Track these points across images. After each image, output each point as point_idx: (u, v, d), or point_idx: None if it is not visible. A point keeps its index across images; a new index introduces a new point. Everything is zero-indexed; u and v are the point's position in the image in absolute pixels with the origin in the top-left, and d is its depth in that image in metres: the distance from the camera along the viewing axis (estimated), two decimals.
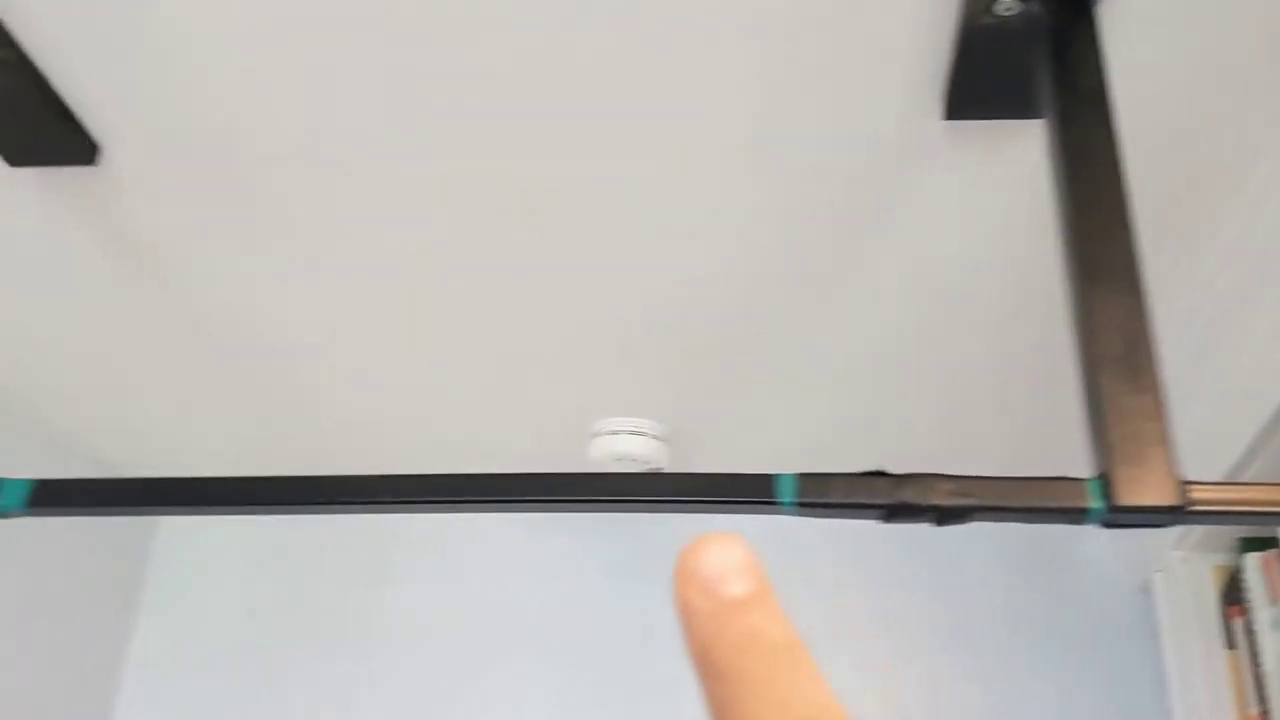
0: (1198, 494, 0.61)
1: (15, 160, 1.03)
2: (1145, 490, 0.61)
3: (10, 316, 1.29)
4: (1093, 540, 1.70)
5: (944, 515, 0.63)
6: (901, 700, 1.64)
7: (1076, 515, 0.62)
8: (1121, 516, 0.62)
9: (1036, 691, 1.62)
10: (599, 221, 1.10)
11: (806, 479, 0.63)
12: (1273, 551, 1.28)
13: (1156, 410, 0.64)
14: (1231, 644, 1.36)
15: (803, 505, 0.63)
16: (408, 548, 1.79)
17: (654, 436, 1.49)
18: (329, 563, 1.80)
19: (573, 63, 0.91)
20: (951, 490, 0.62)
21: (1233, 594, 1.37)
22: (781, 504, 0.63)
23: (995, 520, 0.63)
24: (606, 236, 1.13)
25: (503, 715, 1.69)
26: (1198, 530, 1.41)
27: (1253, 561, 1.30)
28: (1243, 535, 1.35)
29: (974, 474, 0.63)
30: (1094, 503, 0.62)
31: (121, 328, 1.30)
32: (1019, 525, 0.65)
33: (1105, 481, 0.62)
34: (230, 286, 1.22)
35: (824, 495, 0.63)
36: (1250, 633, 1.31)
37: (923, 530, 1.60)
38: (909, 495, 0.62)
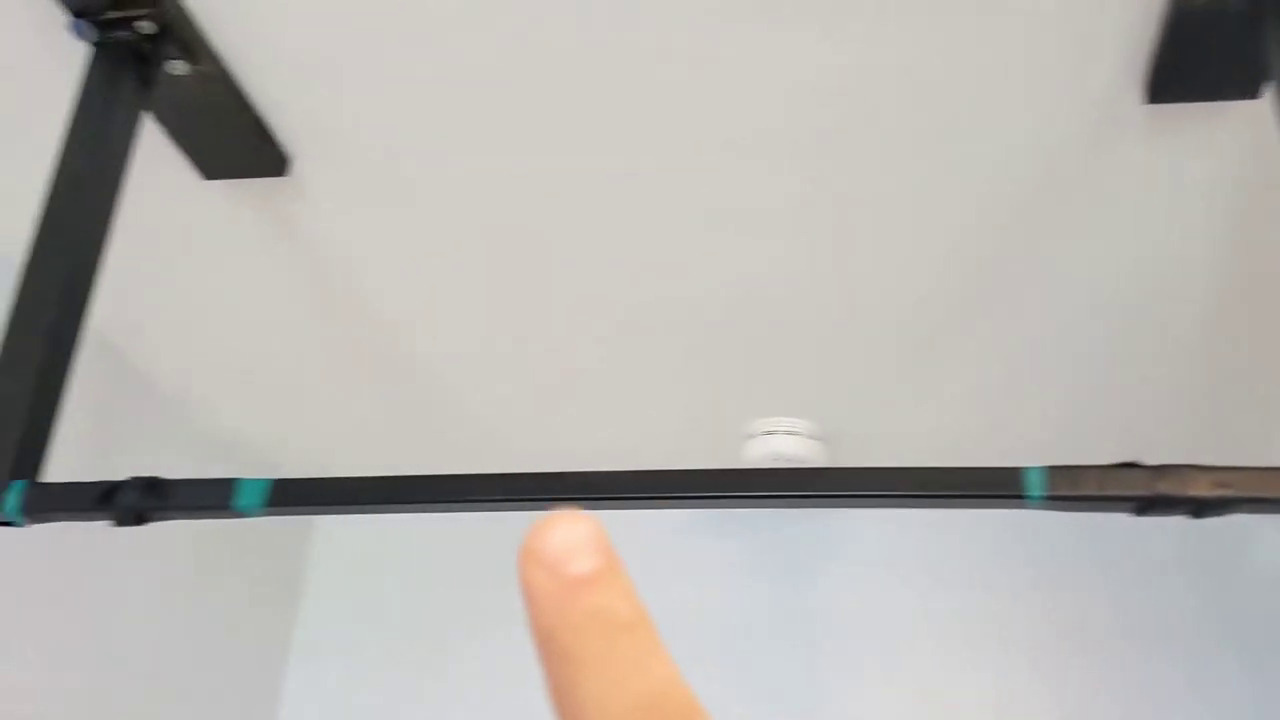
0: None
1: (210, 173, 1.06)
2: None
3: (185, 319, 1.33)
4: (1262, 537, 1.64)
5: (1201, 508, 0.61)
6: (1085, 702, 1.60)
7: None
8: None
9: (1229, 694, 1.56)
10: (750, 220, 1.10)
11: (1057, 471, 0.62)
12: None
13: None
14: None
15: (1052, 499, 0.62)
16: None
17: (810, 436, 1.48)
18: (486, 554, 1.82)
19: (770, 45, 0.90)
20: (1211, 482, 0.60)
21: None
22: (1029, 498, 0.62)
23: (1257, 512, 0.61)
24: (756, 232, 1.12)
25: None
26: None
27: None
28: None
29: (1232, 465, 0.61)
30: None
31: (294, 332, 1.33)
32: (1202, 526, 0.63)
33: None
34: (404, 292, 1.24)
35: (1075, 488, 0.62)
36: None
37: (1105, 529, 1.53)
38: (1166, 487, 0.61)
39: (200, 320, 1.32)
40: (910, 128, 0.97)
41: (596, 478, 0.74)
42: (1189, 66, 0.87)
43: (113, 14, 0.88)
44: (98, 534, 1.30)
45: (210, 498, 0.72)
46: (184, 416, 1.53)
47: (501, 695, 1.65)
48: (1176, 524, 1.55)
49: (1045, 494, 0.62)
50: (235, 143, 1.02)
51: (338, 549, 1.85)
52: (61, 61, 0.92)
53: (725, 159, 1.02)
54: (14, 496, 0.74)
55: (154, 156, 1.01)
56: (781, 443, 1.47)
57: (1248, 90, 0.88)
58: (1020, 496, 0.62)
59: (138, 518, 0.73)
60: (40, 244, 0.82)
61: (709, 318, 1.28)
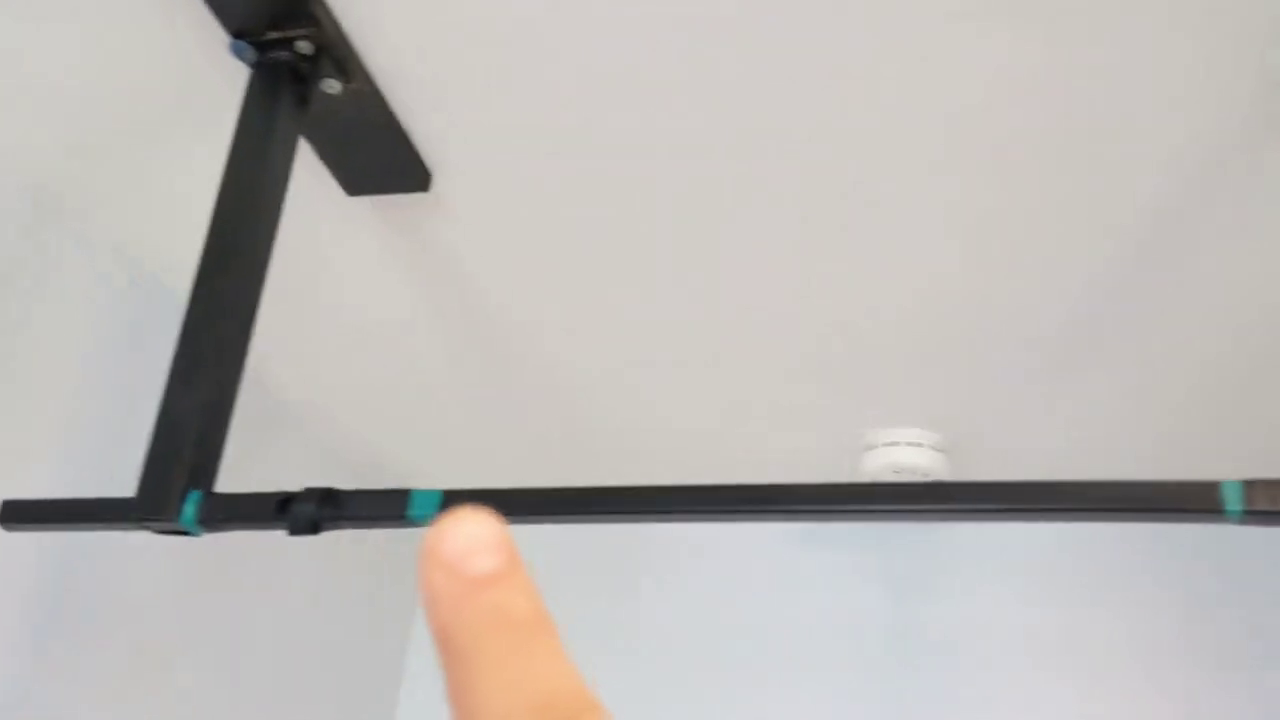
0: None
1: (354, 189, 1.08)
2: None
3: (322, 334, 1.36)
4: None
5: None
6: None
7: None
8: None
9: None
10: (884, 228, 1.09)
11: (1255, 486, 0.60)
12: None
13: None
14: None
15: (1250, 514, 0.60)
16: (663, 559, 1.81)
17: (932, 448, 1.46)
18: (584, 572, 1.83)
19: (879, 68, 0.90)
20: None
21: None
22: (1227, 513, 0.60)
23: None
24: (891, 242, 1.11)
25: None
26: None
27: None
28: None
29: None
30: None
31: (428, 346, 1.35)
32: None
33: None
34: (536, 302, 1.25)
35: (1275, 503, 0.60)
36: None
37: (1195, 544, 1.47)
38: None
39: (336, 334, 1.35)
40: (1074, 129, 0.95)
41: (719, 492, 0.74)
42: None
43: (272, 35, 0.90)
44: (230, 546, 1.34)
45: (385, 508, 0.74)
46: (315, 430, 1.56)
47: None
48: None
49: (1243, 509, 0.60)
50: (380, 159, 1.04)
51: None
52: (224, 80, 0.95)
53: (883, 164, 1.01)
54: (191, 507, 0.76)
55: (299, 172, 1.04)
56: (904, 454, 1.46)
57: None
58: (1219, 511, 0.60)
59: (313, 526, 0.75)
60: (208, 264, 0.84)
61: (847, 328, 1.27)
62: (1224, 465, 1.38)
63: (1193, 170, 0.98)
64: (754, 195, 1.07)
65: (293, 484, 0.77)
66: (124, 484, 0.80)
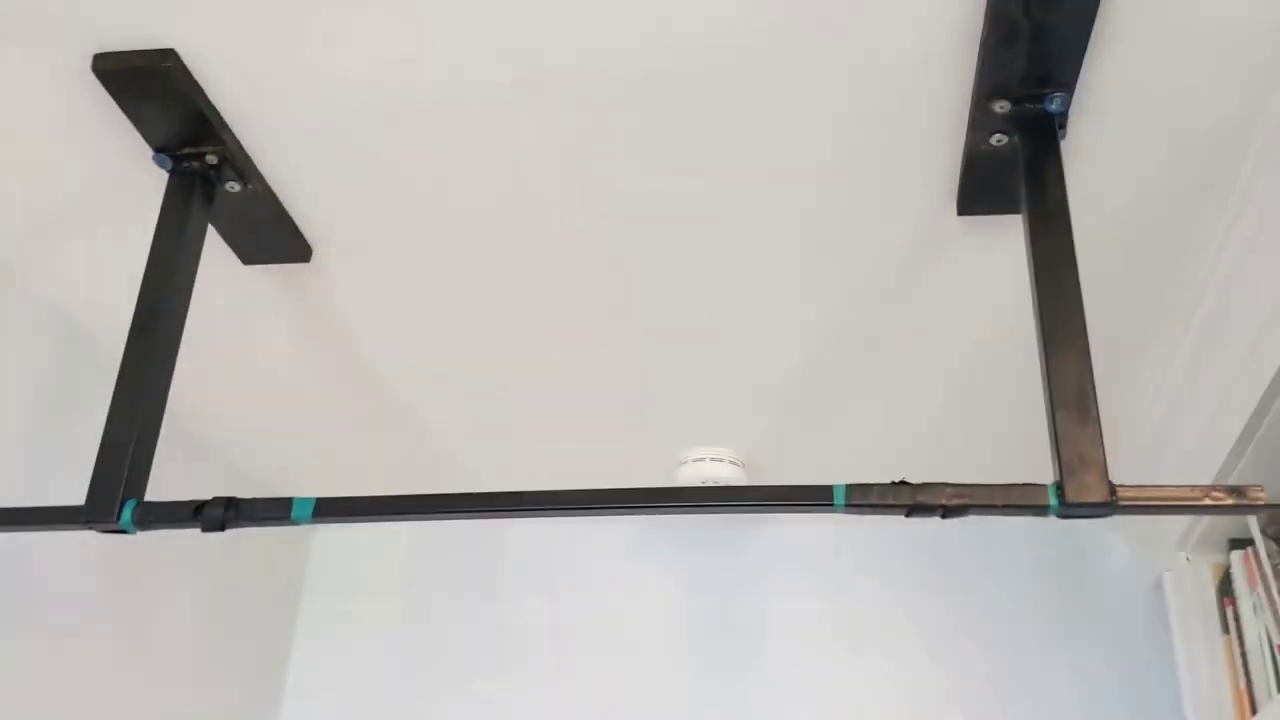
0: (1124, 494, 0.90)
1: (248, 260, 1.36)
2: (1086, 492, 0.89)
3: (214, 375, 1.63)
4: (1113, 548, 1.97)
5: (948, 512, 0.92)
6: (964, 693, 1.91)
7: (1041, 510, 0.91)
8: (1072, 510, 0.90)
9: (1063, 676, 1.89)
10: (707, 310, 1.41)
11: (853, 488, 0.92)
12: (1250, 548, 1.53)
13: (1097, 438, 0.92)
14: (1225, 629, 1.62)
15: (850, 506, 0.92)
16: (519, 564, 2.12)
17: (732, 462, 1.79)
18: (457, 574, 2.13)
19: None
20: (953, 494, 0.91)
21: (1226, 586, 1.62)
22: (835, 506, 0.92)
23: (984, 514, 0.92)
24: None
25: (607, 699, 1.99)
26: (1197, 532, 1.65)
27: (1237, 559, 1.55)
28: (1232, 536, 1.60)
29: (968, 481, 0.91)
30: (1052, 501, 0.90)
31: (302, 385, 1.63)
32: (1046, 535, 0.92)
33: (1060, 486, 0.90)
34: (395, 349, 1.55)
35: (865, 498, 0.92)
36: (1239, 619, 1.56)
37: (962, 537, 1.91)
38: (924, 498, 0.91)
39: (228, 376, 1.62)
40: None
41: (558, 494, 1.03)
42: (983, 189, 1.18)
43: (186, 149, 1.18)
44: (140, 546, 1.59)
45: (273, 511, 1.02)
46: (218, 452, 1.83)
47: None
48: (1040, 534, 1.89)
49: (846, 502, 0.92)
50: (270, 237, 1.31)
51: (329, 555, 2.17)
52: (147, 181, 1.22)
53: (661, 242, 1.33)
54: (128, 512, 1.03)
55: (206, 247, 1.31)
56: (711, 468, 1.78)
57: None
58: (830, 505, 0.92)
59: (220, 525, 1.02)
60: (139, 321, 1.11)
61: (668, 370, 1.59)
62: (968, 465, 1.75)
63: (890, 256, 1.32)
64: (568, 254, 1.37)
65: (202, 495, 1.05)
66: (52, 493, 1.07)
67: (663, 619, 2.04)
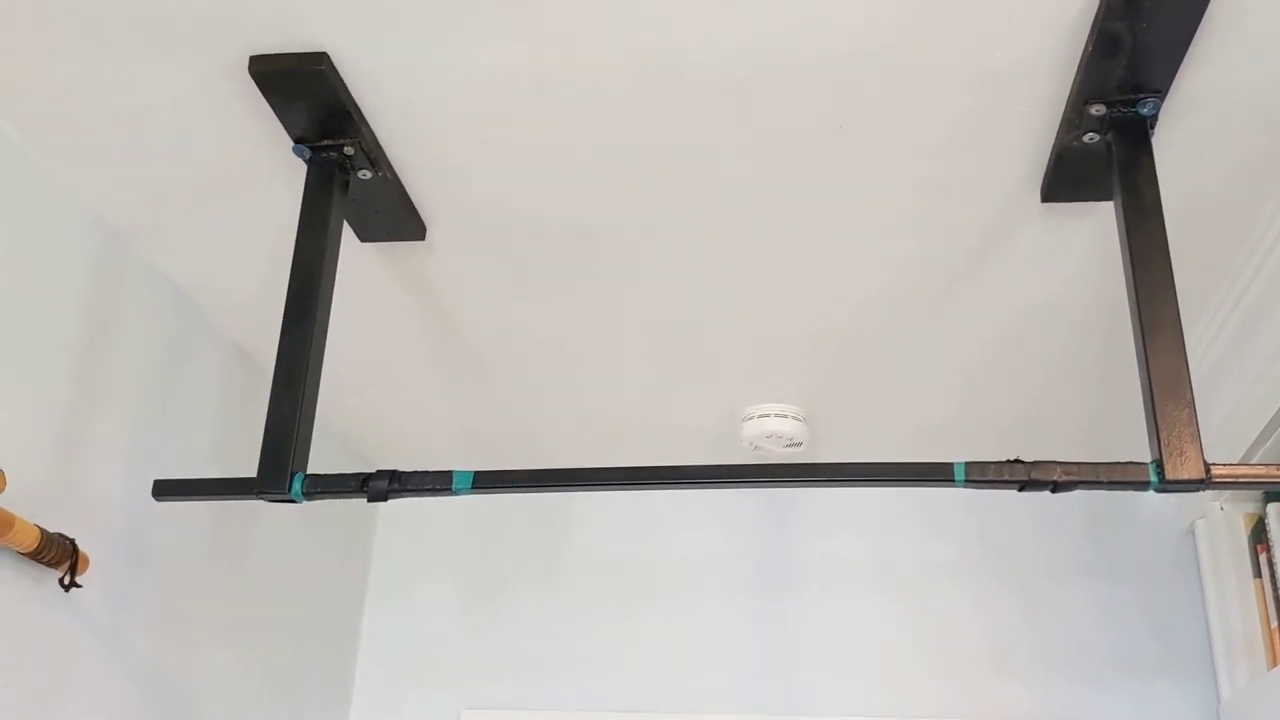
0: (1218, 471, 1.00)
1: (366, 237, 1.44)
2: (1184, 469, 1.00)
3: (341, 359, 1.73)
4: (1148, 496, 2.09)
5: (1057, 487, 1.02)
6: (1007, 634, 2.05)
7: (1142, 486, 1.01)
8: (1170, 486, 1.01)
9: (1094, 618, 2.03)
10: (758, 271, 1.50)
11: (971, 465, 1.03)
12: None
13: (1192, 420, 1.02)
14: (1258, 573, 1.74)
15: (969, 482, 1.03)
16: (587, 508, 2.24)
17: (795, 418, 1.89)
18: (530, 519, 2.25)
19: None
20: (1062, 471, 1.01)
21: (1259, 534, 1.74)
22: (955, 481, 1.03)
23: (1090, 490, 1.02)
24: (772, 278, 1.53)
25: (670, 636, 2.12)
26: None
27: (1274, 509, 1.67)
28: (1269, 490, 1.72)
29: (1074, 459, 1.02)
30: (1153, 478, 1.00)
31: (413, 357, 1.73)
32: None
33: (1159, 464, 1.01)
34: (498, 327, 1.64)
35: (983, 475, 1.02)
36: (1272, 565, 1.68)
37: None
38: (1037, 475, 1.01)
39: (341, 346, 1.72)
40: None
41: (682, 470, 1.14)
42: (1070, 179, 1.27)
43: (326, 141, 1.25)
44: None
45: (434, 483, 1.11)
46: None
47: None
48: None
49: (965, 479, 1.02)
50: (390, 217, 1.39)
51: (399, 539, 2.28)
52: (281, 170, 1.29)
53: (756, 227, 1.42)
54: (297, 483, 1.12)
55: None
56: (775, 424, 1.88)
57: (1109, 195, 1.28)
58: (951, 480, 1.02)
59: (384, 496, 1.12)
60: (291, 305, 1.19)
61: (740, 336, 1.69)
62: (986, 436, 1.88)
63: (969, 233, 1.41)
64: (652, 243, 1.45)
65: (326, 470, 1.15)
66: (185, 468, 1.17)
67: (713, 559, 2.17)
